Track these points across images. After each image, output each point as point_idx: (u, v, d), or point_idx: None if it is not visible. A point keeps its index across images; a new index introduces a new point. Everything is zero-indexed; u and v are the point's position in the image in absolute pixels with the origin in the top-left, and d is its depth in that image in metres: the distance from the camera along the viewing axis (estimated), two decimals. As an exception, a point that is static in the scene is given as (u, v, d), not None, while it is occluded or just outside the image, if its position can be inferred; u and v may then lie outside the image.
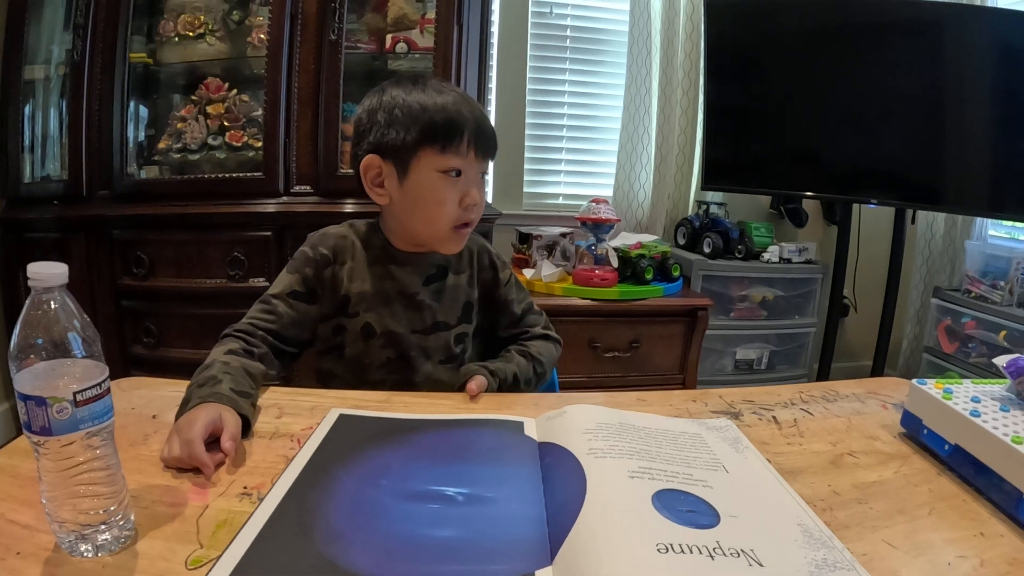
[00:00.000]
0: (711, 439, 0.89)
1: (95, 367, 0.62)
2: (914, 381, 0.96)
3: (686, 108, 3.25)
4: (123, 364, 2.40)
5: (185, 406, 0.89)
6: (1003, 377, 0.94)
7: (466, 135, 1.11)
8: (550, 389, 1.41)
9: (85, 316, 0.62)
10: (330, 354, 1.24)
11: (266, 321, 1.15)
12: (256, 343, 1.12)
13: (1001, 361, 0.93)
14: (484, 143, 1.15)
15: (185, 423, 0.83)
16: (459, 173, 1.13)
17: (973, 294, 3.15)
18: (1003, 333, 2.88)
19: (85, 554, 0.62)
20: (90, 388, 0.61)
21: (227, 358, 1.03)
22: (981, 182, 2.75)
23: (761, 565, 0.60)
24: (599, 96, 3.31)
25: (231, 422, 0.87)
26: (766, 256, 3.13)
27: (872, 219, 3.37)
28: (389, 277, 1.22)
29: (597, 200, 2.60)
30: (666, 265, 2.74)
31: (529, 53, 3.16)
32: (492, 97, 3.10)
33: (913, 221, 3.33)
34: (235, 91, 2.48)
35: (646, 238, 2.83)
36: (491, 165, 1.23)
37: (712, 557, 0.60)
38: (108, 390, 0.63)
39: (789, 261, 3.14)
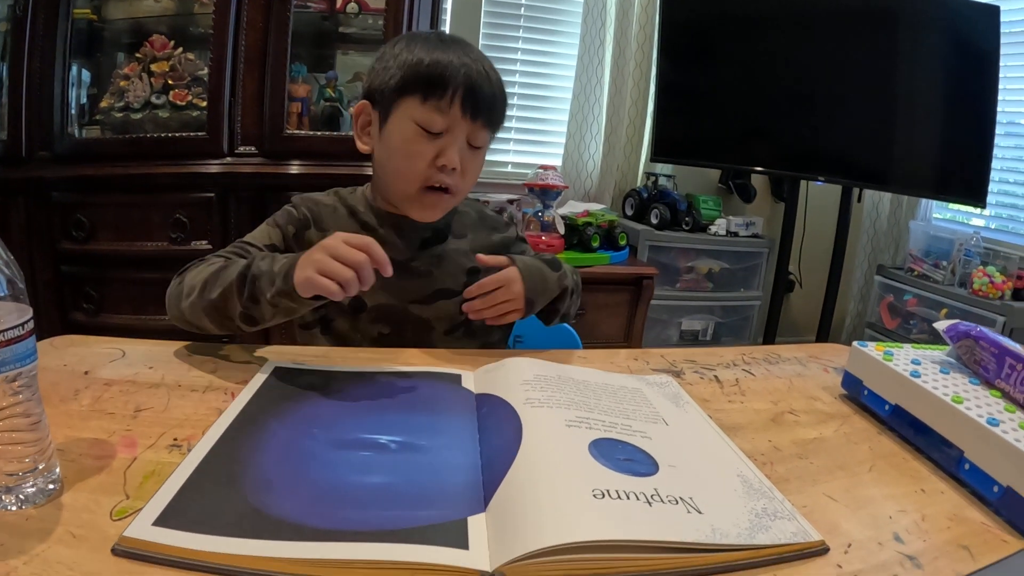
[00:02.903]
0: (651, 394, 0.89)
1: (17, 308, 0.59)
2: (855, 343, 0.97)
3: (638, 80, 3.25)
4: (63, 331, 2.33)
5: (280, 276, 0.91)
6: (944, 343, 0.95)
7: (452, 88, 1.03)
8: (573, 346, 1.36)
9: (9, 254, 0.59)
10: (310, 330, 1.17)
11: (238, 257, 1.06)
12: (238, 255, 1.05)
13: (941, 326, 0.94)
14: (475, 103, 1.04)
15: (335, 240, 0.89)
16: (439, 130, 1.05)
17: (916, 273, 3.22)
18: (944, 311, 2.96)
19: (9, 507, 0.59)
20: (12, 328, 0.58)
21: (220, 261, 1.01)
22: (927, 165, 2.82)
23: (700, 512, 0.60)
24: (551, 65, 3.29)
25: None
26: (713, 229, 3.16)
27: (819, 197, 3.42)
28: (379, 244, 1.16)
29: (545, 167, 2.59)
30: (613, 234, 2.75)
31: (483, 20, 3.12)
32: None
33: (859, 200, 3.39)
34: (180, 49, 2.41)
35: (594, 207, 2.84)
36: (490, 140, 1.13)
37: (650, 504, 0.59)
38: (32, 332, 0.60)
39: (736, 235, 3.17)
